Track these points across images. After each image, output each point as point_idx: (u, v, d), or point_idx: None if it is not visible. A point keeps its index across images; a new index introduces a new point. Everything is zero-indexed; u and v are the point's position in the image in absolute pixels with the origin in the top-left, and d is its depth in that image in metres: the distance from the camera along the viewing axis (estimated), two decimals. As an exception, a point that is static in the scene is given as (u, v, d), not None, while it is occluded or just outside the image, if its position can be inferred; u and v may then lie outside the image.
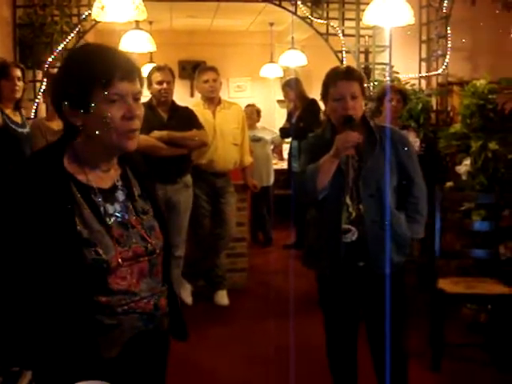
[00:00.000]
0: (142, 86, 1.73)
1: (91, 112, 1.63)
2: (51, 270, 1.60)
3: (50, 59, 5.56)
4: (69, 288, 1.60)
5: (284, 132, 7.71)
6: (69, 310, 1.61)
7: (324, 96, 2.97)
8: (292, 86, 7.28)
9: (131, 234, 1.73)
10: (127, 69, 1.67)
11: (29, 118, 5.08)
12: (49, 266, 1.59)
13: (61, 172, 1.66)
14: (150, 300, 1.75)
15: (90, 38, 6.60)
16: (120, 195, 1.77)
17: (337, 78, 2.90)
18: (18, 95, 4.37)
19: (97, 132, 1.65)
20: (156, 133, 4.67)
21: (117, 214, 1.73)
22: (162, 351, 1.90)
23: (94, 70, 1.62)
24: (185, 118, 4.90)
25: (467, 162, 4.79)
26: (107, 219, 1.70)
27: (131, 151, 1.72)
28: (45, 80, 5.52)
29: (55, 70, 5.72)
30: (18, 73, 4.35)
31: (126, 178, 1.82)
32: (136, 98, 1.68)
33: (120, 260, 1.67)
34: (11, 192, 1.63)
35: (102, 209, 1.70)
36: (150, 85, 4.86)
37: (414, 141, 5.00)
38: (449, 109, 5.80)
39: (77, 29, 5.71)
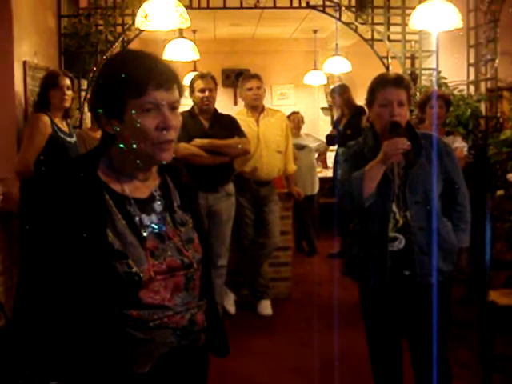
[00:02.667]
0: (181, 94, 1.66)
1: (125, 121, 1.59)
2: (81, 281, 1.55)
3: (94, 68, 5.61)
4: (99, 300, 1.55)
5: (330, 139, 7.64)
6: (99, 323, 1.56)
7: (370, 102, 2.95)
8: (339, 93, 7.20)
9: (167, 246, 1.67)
10: (164, 77, 1.60)
11: (74, 127, 5.12)
12: (79, 276, 1.55)
13: (94, 181, 1.61)
14: (184, 315, 1.68)
15: (134, 47, 6.64)
16: (157, 206, 1.71)
17: (385, 83, 2.88)
18: (67, 104, 4.39)
19: (130, 142, 1.60)
20: (197, 141, 4.66)
21: (153, 226, 1.67)
22: (199, 368, 1.83)
23: (128, 78, 1.58)
24: (226, 126, 4.88)
25: (518, 169, 4.65)
26: (142, 230, 1.64)
27: (167, 161, 1.65)
28: (90, 89, 5.57)
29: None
30: (67, 82, 4.37)
31: (166, 188, 1.76)
32: (173, 108, 1.62)
33: (153, 273, 1.61)
34: (42, 200, 1.58)
35: (136, 219, 1.64)
36: (192, 92, 4.85)
37: (462, 145, 4.88)
38: (498, 115, 5.65)
39: (121, 38, 5.75)
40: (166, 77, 1.61)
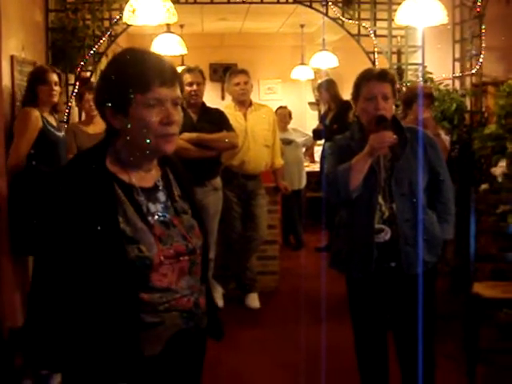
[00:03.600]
0: (182, 91, 1.77)
1: (130, 116, 1.68)
2: (96, 268, 1.63)
3: (81, 63, 5.60)
4: (113, 285, 1.64)
5: (317, 134, 7.67)
6: (114, 307, 1.64)
7: (355, 96, 3.00)
8: (326, 87, 7.23)
9: (172, 232, 1.77)
10: (167, 75, 1.71)
11: (62, 121, 5.12)
12: (93, 263, 1.63)
13: (104, 172, 1.71)
14: (189, 298, 1.78)
15: (121, 41, 6.64)
16: (161, 195, 1.81)
17: (370, 78, 2.94)
18: (56, 100, 4.42)
19: (136, 135, 1.70)
20: (185, 134, 4.66)
21: (158, 213, 1.77)
22: (201, 350, 1.92)
23: (134, 76, 1.67)
24: (215, 120, 4.90)
25: (503, 163, 4.70)
26: (149, 218, 1.74)
27: (169, 154, 1.76)
28: (77, 84, 5.56)
29: (87, 74, 5.77)
30: (55, 77, 4.39)
31: (167, 179, 1.86)
32: (175, 103, 1.73)
33: (162, 258, 1.70)
34: (57, 193, 1.67)
35: (144, 207, 1.74)
36: (182, 87, 4.85)
37: (445, 138, 4.92)
38: (483, 109, 5.69)
39: (108, 32, 5.74)
40: (169, 75, 1.72)
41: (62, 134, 4.48)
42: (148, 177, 1.80)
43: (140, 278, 1.67)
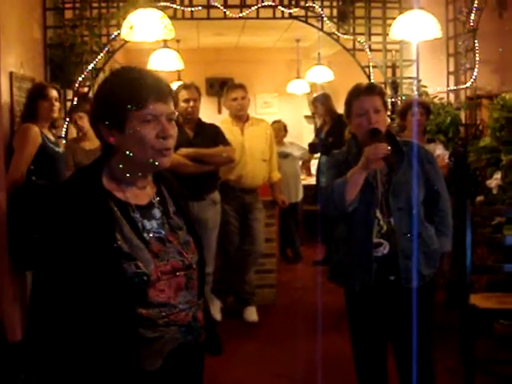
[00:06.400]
0: (175, 106, 1.80)
1: (127, 132, 1.72)
2: (94, 284, 1.66)
3: (79, 78, 5.64)
4: (111, 301, 1.66)
5: (313, 147, 7.71)
6: (112, 322, 1.66)
7: (348, 114, 3.02)
8: (321, 101, 7.29)
9: (168, 249, 1.80)
10: (162, 91, 1.75)
11: (60, 137, 5.16)
12: (91, 279, 1.66)
13: (99, 189, 1.74)
14: (187, 312, 1.81)
15: (119, 57, 6.69)
16: (156, 212, 1.84)
17: (358, 94, 2.96)
18: (56, 115, 4.48)
19: (132, 150, 1.73)
20: (183, 150, 4.70)
21: (154, 230, 1.80)
22: (199, 364, 1.94)
23: (130, 93, 1.71)
24: (211, 135, 4.93)
25: (498, 175, 4.74)
26: (145, 235, 1.77)
27: (165, 167, 1.79)
28: (75, 99, 5.60)
29: (85, 89, 5.81)
30: (55, 93, 4.45)
31: (161, 196, 1.89)
32: (170, 119, 1.77)
33: (159, 273, 1.73)
34: (55, 210, 1.70)
35: (140, 225, 1.77)
36: (176, 102, 4.90)
37: (444, 153, 4.97)
38: (478, 122, 5.74)
39: (106, 48, 5.78)
40: (164, 91, 1.76)
41: (60, 149, 4.53)
42: (143, 194, 1.83)
43: (138, 293, 1.70)
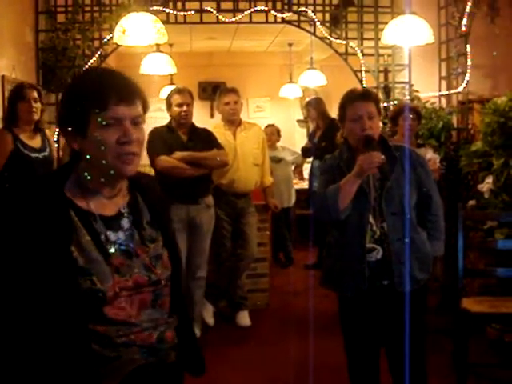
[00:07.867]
0: (146, 110, 1.69)
1: (88, 136, 1.61)
2: (46, 297, 1.56)
3: (72, 82, 5.63)
4: (63, 315, 1.56)
5: (306, 151, 7.72)
6: (64, 338, 1.56)
7: (341, 118, 3.02)
8: (314, 106, 7.30)
9: (134, 263, 1.68)
10: (125, 92, 1.63)
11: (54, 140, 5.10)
12: (43, 292, 1.55)
13: (59, 197, 1.62)
14: (152, 333, 1.68)
15: (111, 60, 6.69)
16: (125, 223, 1.71)
17: (353, 99, 2.96)
18: (36, 117, 4.28)
19: (93, 156, 1.63)
20: (178, 153, 4.71)
21: (119, 242, 1.67)
22: None
23: (89, 95, 1.61)
24: (204, 139, 4.93)
25: (489, 180, 4.75)
26: (108, 247, 1.64)
27: (128, 176, 1.68)
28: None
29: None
30: (34, 94, 4.28)
31: (135, 205, 1.77)
32: (136, 122, 1.65)
33: (118, 289, 1.61)
34: (5, 217, 1.59)
35: (102, 236, 1.64)
36: (169, 107, 4.90)
37: (435, 157, 4.98)
38: (470, 127, 5.77)
39: (99, 52, 5.78)
40: (126, 92, 1.64)
41: (43, 154, 4.33)
42: (111, 204, 1.70)
43: (93, 310, 1.58)
